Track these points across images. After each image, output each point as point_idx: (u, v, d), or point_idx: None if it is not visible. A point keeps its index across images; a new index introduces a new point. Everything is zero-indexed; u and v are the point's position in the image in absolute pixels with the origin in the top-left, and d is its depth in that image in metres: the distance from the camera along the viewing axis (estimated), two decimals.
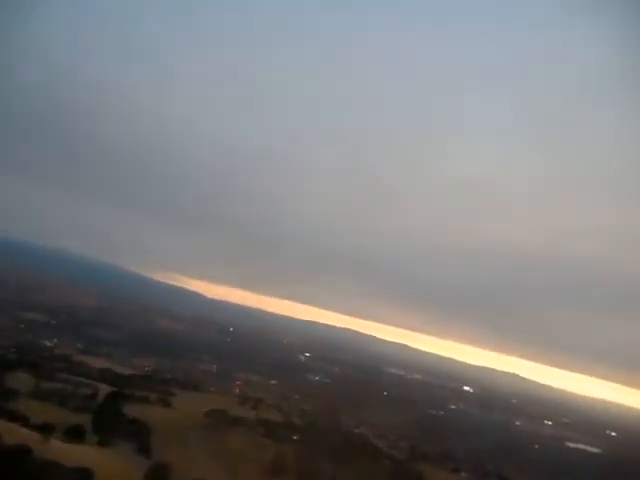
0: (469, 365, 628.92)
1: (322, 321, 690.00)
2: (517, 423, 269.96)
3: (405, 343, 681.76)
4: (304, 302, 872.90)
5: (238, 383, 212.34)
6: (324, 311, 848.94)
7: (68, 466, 28.06)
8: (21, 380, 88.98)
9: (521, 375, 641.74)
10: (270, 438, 59.13)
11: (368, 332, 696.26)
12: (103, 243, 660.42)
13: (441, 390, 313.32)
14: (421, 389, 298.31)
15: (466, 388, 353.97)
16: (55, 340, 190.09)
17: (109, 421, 55.57)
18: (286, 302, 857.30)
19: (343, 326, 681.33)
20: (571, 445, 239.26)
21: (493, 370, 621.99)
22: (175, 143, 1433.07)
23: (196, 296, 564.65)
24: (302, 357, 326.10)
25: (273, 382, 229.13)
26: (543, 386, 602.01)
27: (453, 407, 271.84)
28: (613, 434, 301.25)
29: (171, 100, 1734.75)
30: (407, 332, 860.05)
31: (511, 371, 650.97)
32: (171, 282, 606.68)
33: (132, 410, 64.38)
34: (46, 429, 46.07)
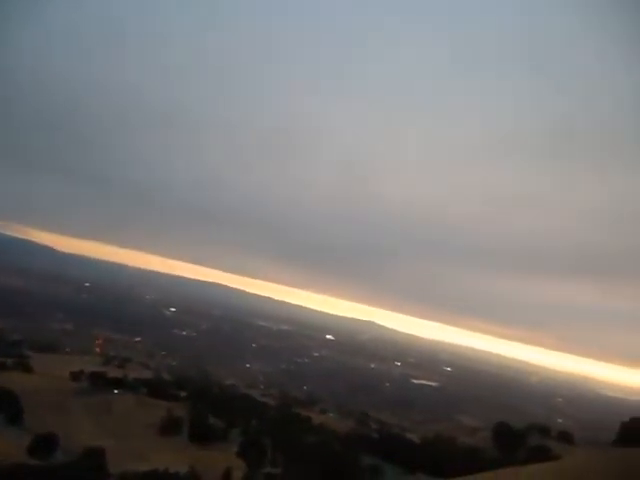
0: (331, 315, 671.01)
1: (188, 275, 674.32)
2: (372, 366, 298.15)
3: (273, 296, 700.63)
4: (169, 256, 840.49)
5: (99, 342, 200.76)
6: (190, 265, 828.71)
7: None
8: None
9: (376, 322, 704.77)
10: (156, 397, 57.70)
11: (237, 286, 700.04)
12: None
13: (306, 339, 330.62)
14: (288, 339, 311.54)
15: (328, 336, 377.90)
16: None
17: None
18: (148, 256, 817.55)
19: (211, 280, 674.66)
20: (415, 381, 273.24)
21: (352, 319, 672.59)
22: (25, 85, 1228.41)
23: (46, 250, 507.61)
24: (167, 312, 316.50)
25: (137, 339, 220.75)
26: (394, 331, 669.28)
27: (317, 354, 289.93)
28: (449, 369, 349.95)
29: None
30: (275, 285, 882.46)
31: (368, 319, 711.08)
32: (15, 234, 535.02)
33: None
34: None
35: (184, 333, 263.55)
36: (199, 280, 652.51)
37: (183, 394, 65.18)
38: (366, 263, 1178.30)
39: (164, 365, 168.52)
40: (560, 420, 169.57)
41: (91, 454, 29.89)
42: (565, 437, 54.79)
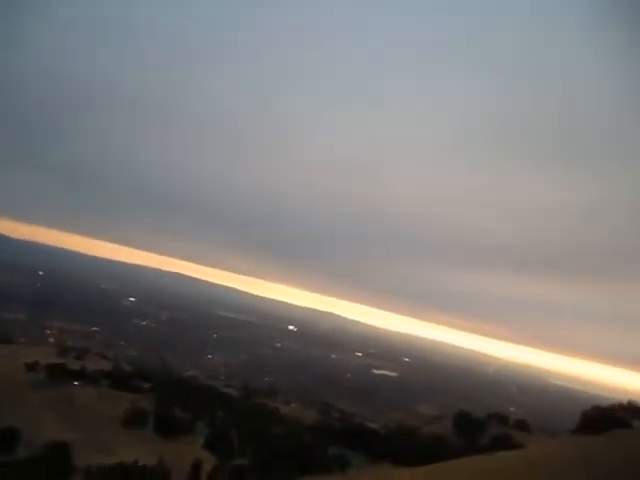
0: (294, 306, 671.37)
1: (149, 265, 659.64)
2: (333, 356, 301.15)
3: (235, 287, 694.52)
4: (129, 244, 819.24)
5: (53, 332, 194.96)
6: (151, 254, 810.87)
7: None
8: None
9: (338, 313, 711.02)
10: (118, 389, 56.19)
11: (198, 276, 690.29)
12: None
13: (268, 330, 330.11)
14: (250, 330, 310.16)
15: (290, 327, 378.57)
16: None
17: None
18: (107, 244, 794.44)
19: (172, 270, 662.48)
20: (376, 371, 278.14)
21: (314, 310, 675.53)
22: None
23: None
24: (127, 302, 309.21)
25: (95, 329, 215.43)
26: (355, 322, 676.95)
27: (279, 345, 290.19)
28: (408, 360, 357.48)
29: None
30: (237, 276, 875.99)
31: (329, 310, 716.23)
32: None
33: None
34: None
35: (144, 323, 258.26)
36: (160, 269, 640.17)
37: (147, 386, 63.90)
38: (328, 255, 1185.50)
39: (124, 356, 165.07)
40: (512, 409, 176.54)
41: (55, 448, 28.94)
42: (522, 425, 57.36)
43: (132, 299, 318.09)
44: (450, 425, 55.44)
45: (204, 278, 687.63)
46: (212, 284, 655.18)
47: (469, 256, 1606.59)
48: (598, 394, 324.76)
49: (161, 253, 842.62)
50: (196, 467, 32.82)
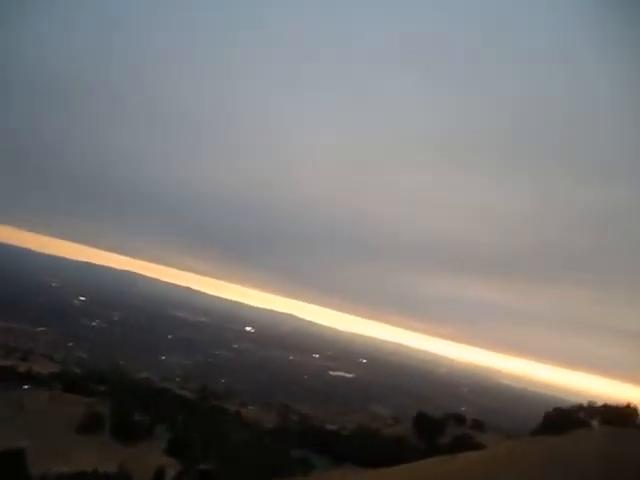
0: (251, 307, 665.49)
1: (99, 262, 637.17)
2: (291, 358, 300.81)
3: (190, 286, 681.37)
4: (78, 241, 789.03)
5: None
6: (103, 252, 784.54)
7: None
8: None
9: (295, 315, 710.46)
10: (71, 392, 53.89)
11: (153, 275, 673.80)
12: None
13: (225, 331, 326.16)
14: (206, 331, 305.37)
15: (247, 328, 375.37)
16: None
17: None
18: (56, 240, 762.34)
19: (125, 268, 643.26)
20: (333, 373, 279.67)
21: (272, 311, 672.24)
22: None
23: None
24: (76, 301, 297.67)
25: (40, 329, 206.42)
26: (312, 324, 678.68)
27: (236, 346, 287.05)
28: (364, 361, 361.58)
29: None
30: (193, 275, 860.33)
31: (287, 311, 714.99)
32: None
33: None
34: None
35: (94, 324, 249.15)
36: (112, 268, 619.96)
37: (102, 388, 61.78)
38: (286, 256, 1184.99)
39: (73, 358, 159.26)
40: (463, 408, 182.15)
41: (8, 455, 27.45)
42: (478, 425, 59.32)
43: (82, 298, 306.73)
44: (409, 426, 56.53)
45: (158, 277, 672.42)
46: (167, 283, 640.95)
47: (423, 259, 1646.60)
48: (545, 393, 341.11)
49: (114, 251, 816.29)
50: (159, 473, 32.09)
